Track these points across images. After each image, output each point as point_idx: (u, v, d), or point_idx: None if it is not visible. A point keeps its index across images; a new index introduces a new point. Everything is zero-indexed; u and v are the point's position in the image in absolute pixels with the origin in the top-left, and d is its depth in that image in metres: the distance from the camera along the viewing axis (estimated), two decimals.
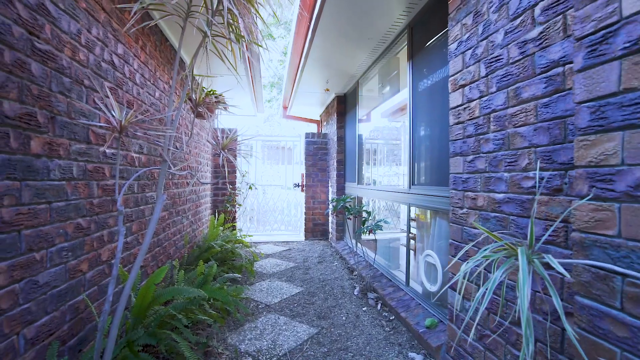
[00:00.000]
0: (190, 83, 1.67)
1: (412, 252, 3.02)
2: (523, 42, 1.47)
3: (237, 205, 5.59)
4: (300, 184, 6.18)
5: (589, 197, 1.02)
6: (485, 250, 1.20)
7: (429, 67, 2.68)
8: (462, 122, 1.91)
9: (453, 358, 1.95)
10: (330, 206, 4.64)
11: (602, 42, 0.99)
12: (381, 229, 3.09)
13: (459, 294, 1.89)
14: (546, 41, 1.36)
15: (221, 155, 1.94)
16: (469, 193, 1.83)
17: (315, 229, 5.95)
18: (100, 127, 1.84)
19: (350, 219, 4.93)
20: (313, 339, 2.42)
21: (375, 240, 4.08)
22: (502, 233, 1.57)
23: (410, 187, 2.88)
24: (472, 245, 1.76)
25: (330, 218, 5.76)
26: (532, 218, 1.04)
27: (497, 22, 1.63)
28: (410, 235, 3.02)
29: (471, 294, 1.81)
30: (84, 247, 1.76)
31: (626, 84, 0.92)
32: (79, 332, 1.72)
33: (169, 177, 3.20)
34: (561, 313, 0.92)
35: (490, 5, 1.69)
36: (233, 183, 5.71)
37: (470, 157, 1.83)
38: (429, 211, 2.79)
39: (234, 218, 5.60)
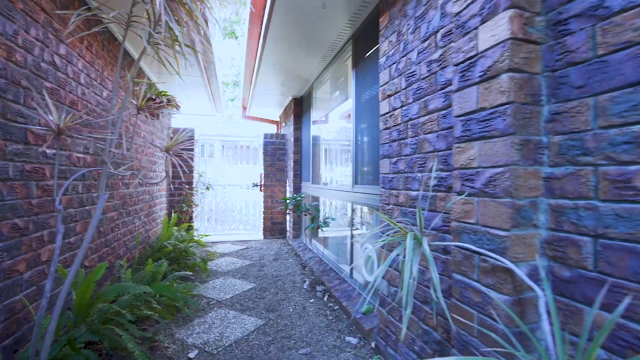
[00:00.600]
0: (132, 86, 1.75)
1: (356, 247, 3.27)
2: (429, 61, 1.73)
3: (193, 206, 5.57)
4: (258, 184, 6.27)
5: (460, 193, 1.27)
6: (388, 236, 1.43)
7: (369, 76, 2.93)
8: (389, 128, 2.15)
9: (382, 338, 2.19)
10: (292, 205, 4.80)
11: (467, 69, 1.24)
12: (328, 226, 3.29)
13: (385, 280, 2.13)
14: (444, 62, 1.62)
15: (166, 157, 2.02)
16: (394, 191, 2.08)
17: (273, 227, 6.08)
18: (40, 128, 1.86)
19: (306, 216, 5.11)
20: (260, 329, 2.57)
21: (325, 237, 4.30)
22: (415, 226, 1.82)
23: (353, 187, 3.12)
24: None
25: (287, 217, 5.91)
26: (418, 209, 1.27)
27: (413, 42, 1.88)
28: (353, 231, 3.26)
29: (396, 280, 2.05)
30: (21, 247, 1.78)
31: (481, 104, 1.17)
32: (15, 332, 1.74)
33: (118, 178, 3.18)
34: (437, 284, 1.15)
35: (408, 27, 1.93)
36: (190, 183, 5.68)
37: (394, 159, 2.07)
38: (367, 208, 3.04)
39: (191, 218, 5.58)
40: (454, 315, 1.30)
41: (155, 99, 2.85)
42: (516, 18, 1.06)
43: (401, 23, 2.02)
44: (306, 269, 4.11)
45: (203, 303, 3.07)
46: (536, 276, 1.09)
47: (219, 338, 2.42)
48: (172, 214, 5.25)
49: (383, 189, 2.21)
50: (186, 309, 2.64)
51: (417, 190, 1.82)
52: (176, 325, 2.60)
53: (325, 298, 3.16)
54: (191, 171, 5.72)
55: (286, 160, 6.05)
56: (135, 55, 3.63)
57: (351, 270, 3.29)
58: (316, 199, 4.92)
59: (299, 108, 5.47)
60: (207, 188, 5.86)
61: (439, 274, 1.64)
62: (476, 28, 1.21)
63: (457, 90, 1.30)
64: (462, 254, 1.26)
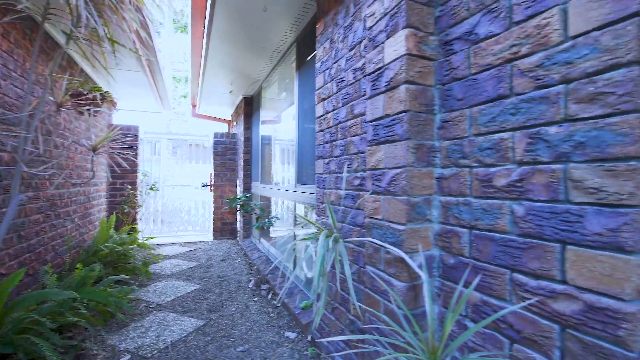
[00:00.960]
0: (50, 82, 1.66)
1: (299, 245, 3.35)
2: (355, 69, 1.85)
3: (137, 207, 5.31)
4: (208, 184, 6.13)
5: (370, 191, 1.39)
6: (315, 234, 1.52)
7: (310, 79, 3.02)
8: (323, 130, 2.26)
9: (318, 331, 2.29)
10: (237, 205, 4.76)
11: (377, 79, 1.37)
12: (273, 225, 3.34)
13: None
14: (365, 71, 1.75)
15: (91, 157, 1.95)
16: (327, 190, 2.19)
17: (224, 228, 5.98)
18: None
19: (254, 216, 5.10)
20: (199, 330, 2.55)
21: (273, 237, 4.34)
22: (343, 223, 1.94)
23: (296, 186, 3.20)
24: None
25: (238, 217, 5.86)
26: (328, 206, 1.38)
27: (342, 50, 2.00)
28: (297, 229, 3.35)
29: (329, 275, 2.16)
30: None
31: (386, 111, 1.30)
32: None
33: (45, 177, 2.97)
34: (348, 275, 1.25)
35: (339, 35, 2.05)
36: (134, 183, 5.40)
37: (327, 160, 2.18)
38: (307, 206, 3.14)
39: (134, 220, 5.31)
40: (366, 304, 1.42)
41: (86, 95, 2.71)
42: (411, 36, 1.20)
43: (333, 31, 2.13)
44: (253, 268, 4.12)
45: (141, 307, 2.97)
46: (430, 264, 1.24)
47: (154, 341, 2.37)
48: (115, 216, 4.97)
49: (318, 189, 2.32)
50: (120, 313, 2.55)
51: (345, 189, 1.94)
52: (109, 331, 2.49)
53: (270, 296, 3.21)
54: (135, 171, 5.44)
55: (237, 159, 5.99)
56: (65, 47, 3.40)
57: (294, 267, 3.37)
58: (267, 199, 4.94)
59: (249, 107, 5.45)
60: (152, 188, 5.62)
61: (361, 267, 1.77)
62: (383, 42, 1.34)
63: (369, 97, 1.42)
64: (372, 247, 1.39)
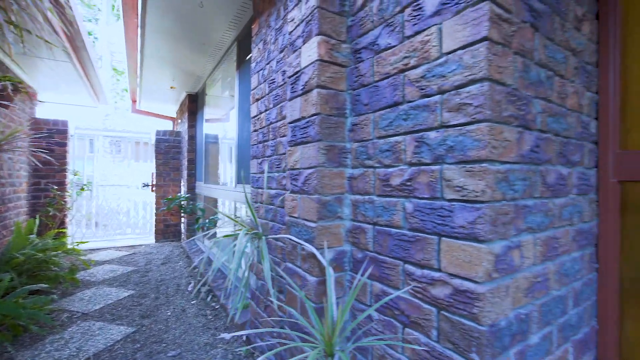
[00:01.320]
0: None
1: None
2: (284, 71, 1.89)
3: (65, 209, 4.87)
4: (150, 184, 5.81)
5: (289, 191, 1.44)
6: (241, 233, 1.53)
7: (248, 78, 3.01)
8: (257, 130, 2.27)
9: (252, 329, 2.30)
10: (179, 206, 4.58)
11: (295, 82, 1.42)
12: (214, 225, 3.27)
13: (252, 271, 2.24)
14: (286, 74, 1.79)
15: None
16: (260, 190, 2.20)
17: (167, 230, 5.71)
18: None
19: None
20: (128, 337, 2.43)
21: (217, 238, 4.25)
22: (273, 222, 1.97)
23: (236, 186, 3.17)
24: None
25: (182, 218, 5.63)
26: (247, 203, 1.40)
27: (274, 51, 2.03)
28: (236, 229, 3.31)
29: (261, 274, 2.18)
30: None
31: (302, 113, 1.36)
32: None
33: None
34: (266, 271, 1.28)
35: (271, 37, 2.08)
36: (62, 183, 4.94)
37: (260, 160, 2.20)
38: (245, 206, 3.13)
39: (63, 223, 4.87)
40: (287, 300, 1.47)
41: None
42: (323, 43, 1.27)
43: (267, 32, 2.15)
44: (195, 270, 4.00)
45: (63, 318, 2.74)
46: (342, 259, 1.31)
47: (74, 353, 2.21)
48: (37, 219, 4.51)
49: (252, 188, 2.32)
50: (34, 326, 2.33)
51: (275, 189, 1.97)
52: (20, 347, 2.27)
53: (209, 298, 3.14)
54: (63, 169, 4.99)
55: (181, 159, 5.75)
56: None
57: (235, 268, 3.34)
58: (214, 199, 4.81)
59: (194, 105, 5.26)
60: (82, 189, 5.19)
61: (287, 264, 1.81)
62: (300, 48, 1.39)
63: (289, 100, 1.47)
64: (291, 244, 1.43)
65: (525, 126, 0.95)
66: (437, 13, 0.96)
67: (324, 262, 1.20)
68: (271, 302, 1.94)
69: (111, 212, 5.79)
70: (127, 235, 5.93)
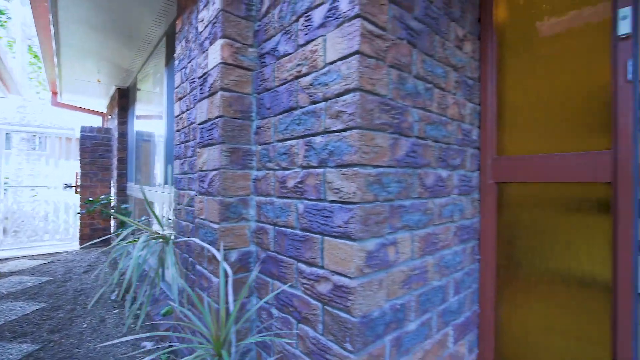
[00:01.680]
0: None
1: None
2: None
3: None
4: (73, 185, 5.31)
5: (198, 192, 1.42)
6: (148, 236, 1.47)
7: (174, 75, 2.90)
8: (180, 130, 2.20)
9: (176, 336, 2.22)
10: (100, 208, 4.24)
11: (203, 83, 1.40)
12: (140, 228, 3.08)
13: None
14: (196, 74, 1.77)
15: None
16: (182, 191, 2.13)
17: (94, 235, 5.26)
18: None
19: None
20: (31, 356, 2.20)
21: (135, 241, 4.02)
22: (191, 223, 1.92)
23: (164, 187, 3.03)
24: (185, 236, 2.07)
25: (112, 221, 5.23)
26: (147, 204, 1.36)
27: (194, 50, 1.98)
28: (166, 231, 3.17)
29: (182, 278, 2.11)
30: None
31: (208, 115, 1.35)
32: None
33: None
34: (173, 274, 1.25)
35: (192, 35, 2.02)
36: None
37: (182, 160, 2.13)
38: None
39: None
40: (196, 302, 1.45)
41: None
42: (226, 47, 1.27)
43: (189, 30, 2.09)
44: (123, 277, 3.74)
45: None
46: (248, 260, 1.33)
47: None
48: None
49: (176, 189, 2.24)
50: None
51: (195, 190, 1.92)
52: None
53: (133, 306, 2.96)
54: None
55: (111, 157, 5.34)
56: None
57: (163, 273, 3.19)
58: (145, 201, 4.53)
59: (125, 100, 4.92)
60: None
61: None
62: (207, 49, 1.38)
63: (199, 100, 1.45)
64: (199, 246, 1.42)
65: (401, 133, 1.04)
66: (322, 25, 1.02)
67: (224, 264, 1.20)
68: (177, 304, 1.89)
69: (25, 216, 5.18)
70: (45, 242, 5.34)
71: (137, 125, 4.51)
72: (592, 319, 1.19)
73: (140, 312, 2.77)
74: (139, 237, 1.40)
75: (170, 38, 3.07)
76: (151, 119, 4.31)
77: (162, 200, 3.07)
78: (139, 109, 4.50)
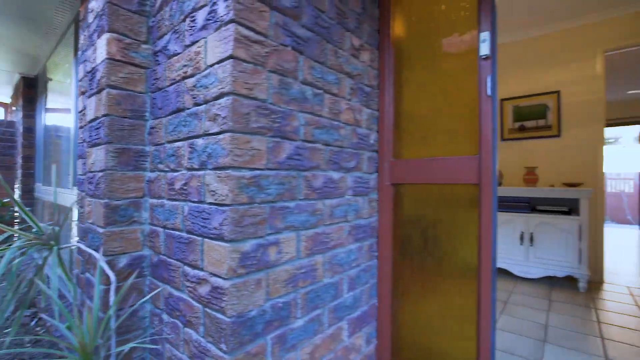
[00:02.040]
0: None
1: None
2: None
3: None
4: None
5: (87, 195, 1.33)
6: (20, 242, 1.33)
7: None
8: (82, 127, 2.03)
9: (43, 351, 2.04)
10: (9, 213, 3.74)
11: (92, 79, 1.32)
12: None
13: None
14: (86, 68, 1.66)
15: None
16: (82, 193, 1.97)
17: None
18: None
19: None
20: None
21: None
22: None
23: (72, 188, 2.78)
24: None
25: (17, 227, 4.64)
26: (18, 205, 1.25)
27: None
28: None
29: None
30: None
31: (96, 113, 1.27)
32: None
33: None
34: (53, 284, 1.14)
35: (90, 28, 1.88)
36: None
37: (84, 160, 1.97)
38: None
39: None
40: (78, 312, 1.35)
41: None
42: (114, 42, 1.21)
43: (87, 19, 1.94)
44: (25, 290, 3.34)
45: None
46: (141, 264, 1.28)
47: None
48: None
49: (79, 192, 2.07)
50: None
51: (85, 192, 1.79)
52: None
53: (34, 322, 2.67)
54: None
55: (15, 155, 4.73)
56: None
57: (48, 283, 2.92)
58: (56, 205, 4.08)
59: (32, 91, 4.40)
60: None
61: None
62: (95, 43, 1.30)
63: (88, 97, 1.36)
64: (86, 253, 1.33)
65: (283, 136, 1.08)
66: (204, 27, 1.02)
67: (106, 269, 1.15)
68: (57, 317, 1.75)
69: None
70: None
71: (49, 120, 4.06)
72: (468, 299, 1.35)
73: (40, 327, 2.51)
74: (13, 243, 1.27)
75: (78, 26, 2.82)
76: (62, 112, 3.91)
77: (70, 202, 2.80)
78: (51, 100, 4.06)
